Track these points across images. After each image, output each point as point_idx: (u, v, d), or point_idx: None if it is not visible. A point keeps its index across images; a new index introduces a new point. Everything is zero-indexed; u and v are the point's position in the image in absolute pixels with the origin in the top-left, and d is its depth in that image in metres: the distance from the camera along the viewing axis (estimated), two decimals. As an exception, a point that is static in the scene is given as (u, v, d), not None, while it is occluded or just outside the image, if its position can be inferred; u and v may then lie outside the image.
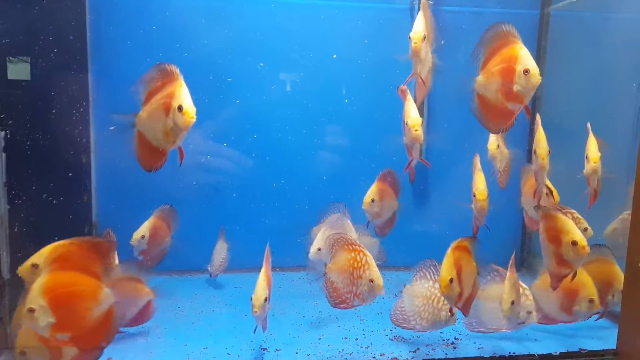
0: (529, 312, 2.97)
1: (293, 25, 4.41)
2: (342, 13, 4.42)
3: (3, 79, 3.26)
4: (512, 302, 2.80)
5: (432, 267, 3.01)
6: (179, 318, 3.54)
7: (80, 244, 2.33)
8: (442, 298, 2.89)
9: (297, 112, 4.44)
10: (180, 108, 2.35)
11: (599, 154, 3.07)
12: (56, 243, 2.35)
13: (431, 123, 4.62)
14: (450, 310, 2.90)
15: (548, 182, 3.29)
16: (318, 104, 4.45)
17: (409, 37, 3.08)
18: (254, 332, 2.86)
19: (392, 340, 3.23)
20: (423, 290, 2.99)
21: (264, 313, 2.71)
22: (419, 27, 3.06)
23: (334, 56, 4.39)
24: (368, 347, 3.12)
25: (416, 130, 3.11)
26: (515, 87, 2.50)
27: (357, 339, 3.23)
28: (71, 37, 3.88)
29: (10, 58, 3.30)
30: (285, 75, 4.41)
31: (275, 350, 3.05)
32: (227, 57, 4.25)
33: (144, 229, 3.54)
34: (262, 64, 4.32)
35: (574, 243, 2.72)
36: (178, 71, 2.48)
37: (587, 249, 2.72)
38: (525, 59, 2.49)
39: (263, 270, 2.80)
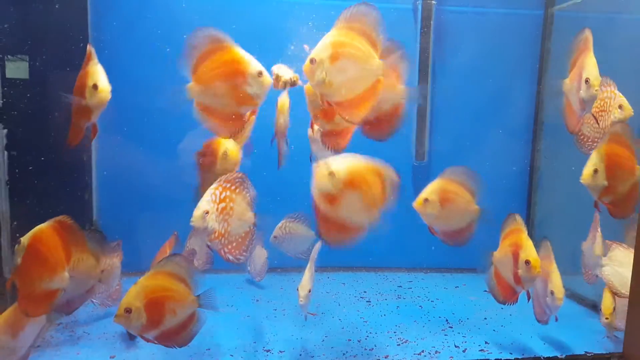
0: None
1: (294, 25, 4.37)
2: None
3: (4, 77, 3.23)
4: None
5: None
6: (180, 319, 3.50)
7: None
8: None
9: (297, 112, 4.41)
10: (260, 74, 2.55)
11: None
12: None
13: (434, 124, 4.60)
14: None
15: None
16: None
17: (586, 81, 2.74)
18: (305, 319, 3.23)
19: (396, 342, 3.20)
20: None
21: (308, 303, 2.91)
22: (595, 71, 2.70)
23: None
24: (372, 349, 3.09)
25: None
26: (520, 272, 2.80)
27: (360, 341, 3.21)
28: (72, 35, 3.84)
29: (9, 57, 3.26)
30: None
31: (279, 352, 3.02)
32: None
33: None
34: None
35: None
36: (228, 37, 2.55)
37: None
38: (528, 249, 2.79)
39: (309, 265, 2.95)
